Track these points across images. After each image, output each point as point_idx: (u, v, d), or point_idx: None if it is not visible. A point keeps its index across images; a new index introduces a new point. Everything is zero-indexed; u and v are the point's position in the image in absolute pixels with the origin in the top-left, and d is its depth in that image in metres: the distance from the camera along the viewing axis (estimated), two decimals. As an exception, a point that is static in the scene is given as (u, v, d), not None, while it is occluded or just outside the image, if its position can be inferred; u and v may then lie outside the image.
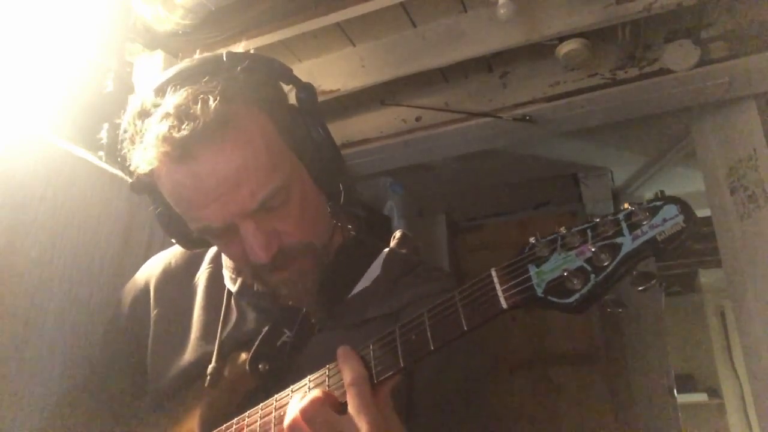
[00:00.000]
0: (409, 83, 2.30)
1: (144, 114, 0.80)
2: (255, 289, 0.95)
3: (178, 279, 1.03)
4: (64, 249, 1.16)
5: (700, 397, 5.31)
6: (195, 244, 0.93)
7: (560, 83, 2.20)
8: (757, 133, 2.15)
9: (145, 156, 0.78)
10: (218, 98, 0.76)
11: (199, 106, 0.75)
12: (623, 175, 3.48)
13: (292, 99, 0.90)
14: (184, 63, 0.84)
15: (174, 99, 0.77)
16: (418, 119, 2.41)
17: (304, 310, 0.91)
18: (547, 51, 2.08)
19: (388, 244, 1.04)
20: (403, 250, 1.02)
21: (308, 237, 0.86)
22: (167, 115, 0.76)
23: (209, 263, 1.03)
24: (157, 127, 0.76)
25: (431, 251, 3.50)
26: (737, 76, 2.02)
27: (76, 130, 1.42)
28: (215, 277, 1.00)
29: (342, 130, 2.50)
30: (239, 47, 2.00)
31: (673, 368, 3.35)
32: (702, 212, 2.51)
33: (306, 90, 0.89)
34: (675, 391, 3.21)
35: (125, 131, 0.83)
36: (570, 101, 2.18)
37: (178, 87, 0.78)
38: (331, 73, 2.16)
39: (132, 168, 0.83)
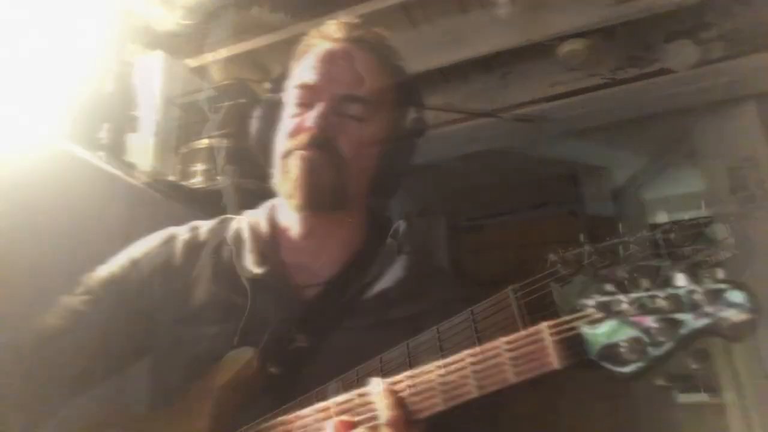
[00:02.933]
0: (410, 83, 2.30)
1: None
2: (281, 271, 0.96)
3: (192, 254, 1.01)
4: (64, 249, 1.16)
5: (701, 397, 5.30)
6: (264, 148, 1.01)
7: (560, 83, 2.20)
8: (757, 133, 2.15)
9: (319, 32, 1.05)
10: (384, 40, 1.07)
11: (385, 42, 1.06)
12: (623, 176, 3.48)
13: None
14: None
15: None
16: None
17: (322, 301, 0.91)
18: (548, 51, 2.08)
19: (396, 245, 1.04)
20: (417, 250, 1.03)
21: (348, 155, 0.94)
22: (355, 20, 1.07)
23: (227, 243, 1.01)
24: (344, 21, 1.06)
25: (431, 252, 3.50)
26: (737, 76, 2.02)
27: (77, 131, 1.42)
28: (226, 260, 0.98)
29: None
30: (239, 47, 2.02)
31: (672, 368, 3.35)
32: (702, 212, 2.51)
33: (422, 123, 1.08)
34: (675, 390, 3.21)
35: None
36: (570, 101, 2.18)
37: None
38: (331, 73, 2.15)
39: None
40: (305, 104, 0.95)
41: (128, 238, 1.31)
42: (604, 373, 0.58)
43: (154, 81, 1.95)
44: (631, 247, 0.56)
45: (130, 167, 1.60)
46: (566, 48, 2.00)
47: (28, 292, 1.10)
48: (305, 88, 0.96)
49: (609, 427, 3.19)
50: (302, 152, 0.92)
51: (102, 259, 1.20)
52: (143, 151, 1.89)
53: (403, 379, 0.68)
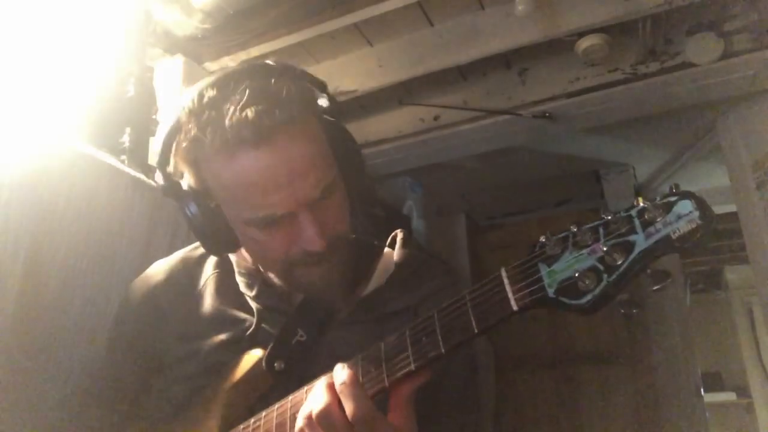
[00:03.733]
0: (427, 82, 2.29)
1: (202, 109, 0.81)
2: (274, 289, 0.96)
3: (183, 285, 1.03)
4: (88, 252, 1.18)
5: (728, 396, 5.21)
6: (225, 246, 0.94)
7: (580, 79, 2.18)
8: (784, 127, 2.10)
9: (216, 142, 0.79)
10: (295, 88, 0.83)
11: (284, 93, 0.80)
12: (646, 172, 3.43)
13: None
14: (235, 66, 0.87)
15: (248, 90, 0.79)
16: (436, 118, 2.40)
17: (323, 306, 0.92)
18: (567, 47, 2.06)
19: (385, 245, 1.05)
20: (407, 250, 1.03)
21: (344, 227, 0.89)
22: (247, 104, 0.78)
23: (214, 269, 1.04)
24: (237, 114, 0.78)
25: (451, 251, 3.49)
26: (762, 69, 1.98)
27: (99, 135, 1.44)
28: (224, 279, 1.01)
29: (360, 130, 2.50)
30: (258, 50, 2.03)
31: (699, 367, 3.29)
32: (727, 207, 2.47)
33: (336, 103, 0.94)
34: (702, 390, 3.15)
35: (176, 130, 0.85)
36: (590, 97, 2.16)
37: (242, 82, 0.81)
38: (348, 73, 2.16)
39: (187, 164, 0.86)
40: (276, 225, 0.83)
41: (150, 242, 1.33)
42: (563, 308, 0.59)
43: (174, 85, 1.97)
44: (611, 227, 0.59)
45: (151, 171, 1.62)
46: (585, 43, 1.98)
47: (53, 293, 1.11)
48: (269, 219, 0.83)
49: (633, 427, 3.15)
50: (308, 271, 0.87)
51: (123, 261, 1.22)
52: (164, 154, 1.91)
53: (378, 346, 0.71)
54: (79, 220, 1.17)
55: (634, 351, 3.29)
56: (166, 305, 1.02)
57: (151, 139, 1.65)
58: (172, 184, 0.90)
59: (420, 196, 3.11)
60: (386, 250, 1.04)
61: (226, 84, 0.82)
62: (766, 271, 2.19)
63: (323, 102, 0.92)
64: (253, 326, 0.93)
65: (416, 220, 3.09)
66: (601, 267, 0.58)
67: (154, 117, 1.66)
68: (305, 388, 0.77)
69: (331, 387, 0.70)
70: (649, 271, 0.57)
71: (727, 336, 5.40)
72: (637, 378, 3.23)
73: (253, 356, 0.89)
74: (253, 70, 0.85)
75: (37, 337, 1.07)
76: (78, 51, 1.45)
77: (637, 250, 0.57)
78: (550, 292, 0.60)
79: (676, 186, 0.58)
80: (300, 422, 0.70)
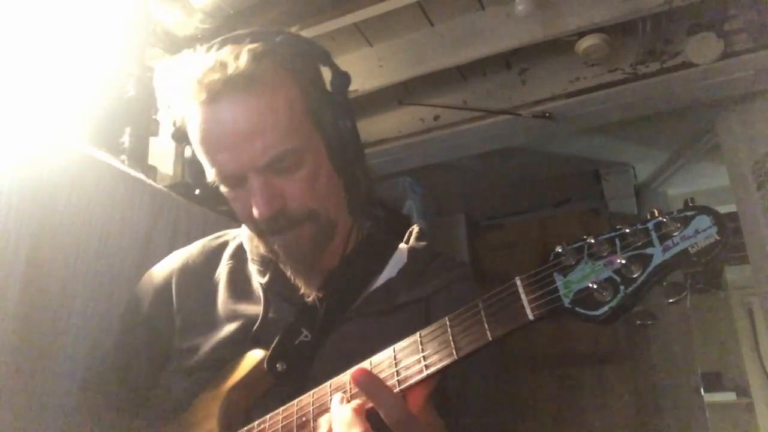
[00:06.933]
0: (427, 82, 2.29)
1: (188, 64, 0.89)
2: (285, 278, 0.96)
3: (198, 275, 1.04)
4: (89, 252, 1.18)
5: (728, 396, 5.21)
6: (213, 198, 0.96)
7: (580, 79, 2.18)
8: (784, 127, 2.10)
9: (181, 96, 0.87)
10: (250, 54, 0.84)
11: (231, 58, 0.83)
12: (646, 171, 3.43)
13: (328, 84, 0.95)
14: (239, 31, 0.92)
15: (216, 54, 0.86)
16: (436, 118, 2.40)
17: (323, 306, 0.92)
18: (567, 47, 2.06)
19: (401, 241, 1.05)
20: (423, 243, 1.03)
21: (313, 204, 0.88)
22: (205, 64, 0.85)
23: (229, 260, 1.04)
24: (195, 73, 0.84)
25: (451, 251, 3.49)
26: (762, 69, 1.98)
27: (99, 135, 1.44)
28: (237, 271, 1.02)
29: (360, 130, 2.49)
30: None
31: (699, 367, 3.29)
32: (727, 208, 2.47)
33: (341, 77, 0.93)
34: (702, 390, 3.16)
35: (181, 85, 0.90)
36: (590, 97, 2.16)
37: (223, 45, 0.88)
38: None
39: (177, 115, 0.92)
40: (233, 185, 0.87)
41: (150, 241, 1.33)
42: (579, 319, 0.59)
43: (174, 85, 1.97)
44: (628, 239, 0.58)
45: (151, 170, 1.62)
46: (585, 43, 1.98)
47: (56, 292, 1.11)
48: (221, 176, 0.87)
49: (634, 427, 3.15)
50: (274, 239, 0.89)
51: (124, 260, 1.22)
52: (165, 154, 1.91)
53: (391, 351, 0.71)
54: (79, 220, 1.17)
55: (634, 351, 3.29)
56: (178, 294, 1.02)
57: (152, 139, 1.66)
58: (176, 129, 0.94)
59: (420, 196, 3.11)
60: (401, 245, 1.04)
61: (213, 45, 0.89)
62: (766, 271, 2.19)
63: (323, 73, 0.94)
64: (260, 316, 0.93)
65: (416, 220, 3.09)
66: (618, 279, 0.58)
67: (154, 117, 1.66)
68: (312, 392, 0.77)
69: (360, 409, 0.68)
70: (665, 283, 0.58)
71: (727, 336, 5.39)
72: (637, 378, 3.23)
73: (254, 357, 0.89)
74: (243, 36, 0.89)
75: (39, 337, 1.07)
76: (78, 51, 1.45)
77: (654, 263, 0.57)
78: (566, 302, 0.60)
79: (692, 200, 0.58)
80: None
